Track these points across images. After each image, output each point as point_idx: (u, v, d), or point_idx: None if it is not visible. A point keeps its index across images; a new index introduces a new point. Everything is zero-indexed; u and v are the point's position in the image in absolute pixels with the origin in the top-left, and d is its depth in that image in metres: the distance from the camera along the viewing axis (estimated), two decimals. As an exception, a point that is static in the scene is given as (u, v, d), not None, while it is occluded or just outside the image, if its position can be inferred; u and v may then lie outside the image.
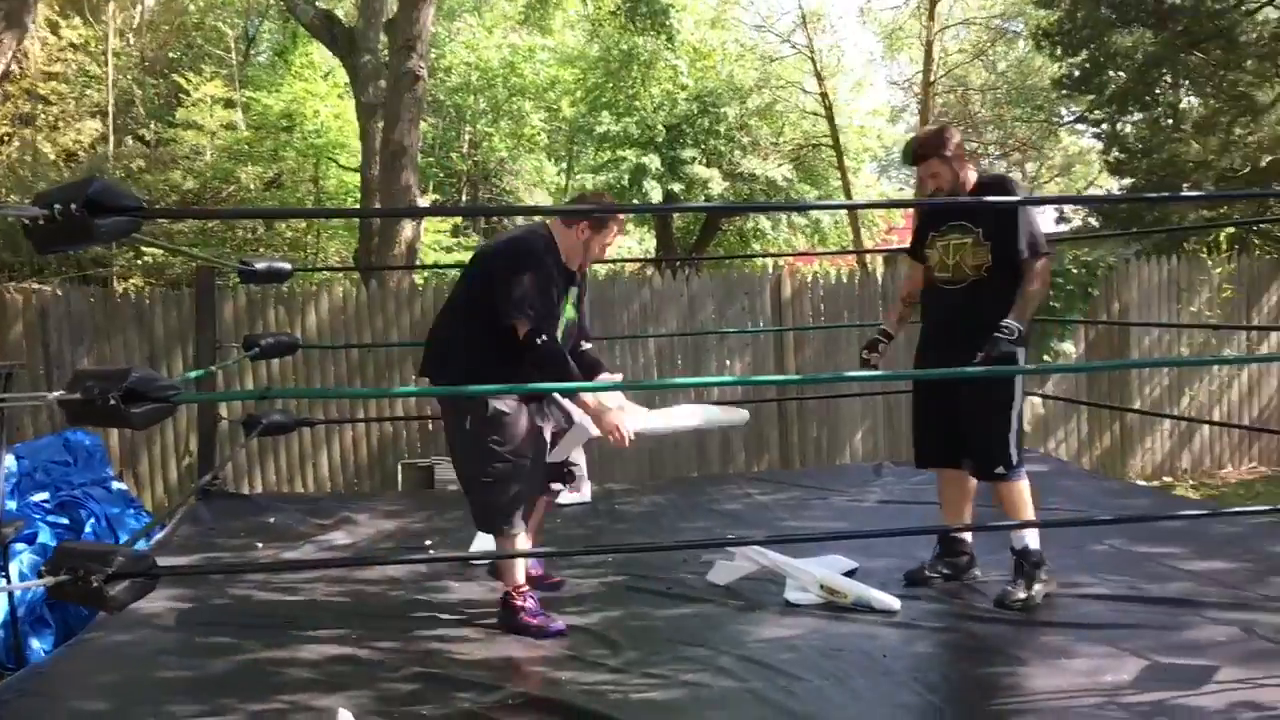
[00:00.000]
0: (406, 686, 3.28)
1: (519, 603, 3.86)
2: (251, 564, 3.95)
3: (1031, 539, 4.00)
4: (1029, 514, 4.09)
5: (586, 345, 4.28)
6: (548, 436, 4.13)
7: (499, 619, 3.91)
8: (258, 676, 3.44)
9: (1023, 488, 4.08)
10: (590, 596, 4.28)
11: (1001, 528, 4.22)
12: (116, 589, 2.33)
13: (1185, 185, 11.90)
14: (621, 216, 4.14)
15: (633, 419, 3.95)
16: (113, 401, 2.37)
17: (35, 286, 9.99)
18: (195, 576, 4.47)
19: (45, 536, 5.05)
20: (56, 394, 2.43)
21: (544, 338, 3.72)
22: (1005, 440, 4.06)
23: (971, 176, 4.15)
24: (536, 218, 3.96)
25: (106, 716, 3.06)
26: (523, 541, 3.96)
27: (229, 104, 17.49)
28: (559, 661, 3.51)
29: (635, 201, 17.17)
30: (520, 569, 3.95)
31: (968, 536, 4.34)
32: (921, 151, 4.11)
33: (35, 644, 4.74)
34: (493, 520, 3.94)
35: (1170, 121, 12.59)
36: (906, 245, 4.55)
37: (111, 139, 17.28)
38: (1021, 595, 3.92)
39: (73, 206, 2.33)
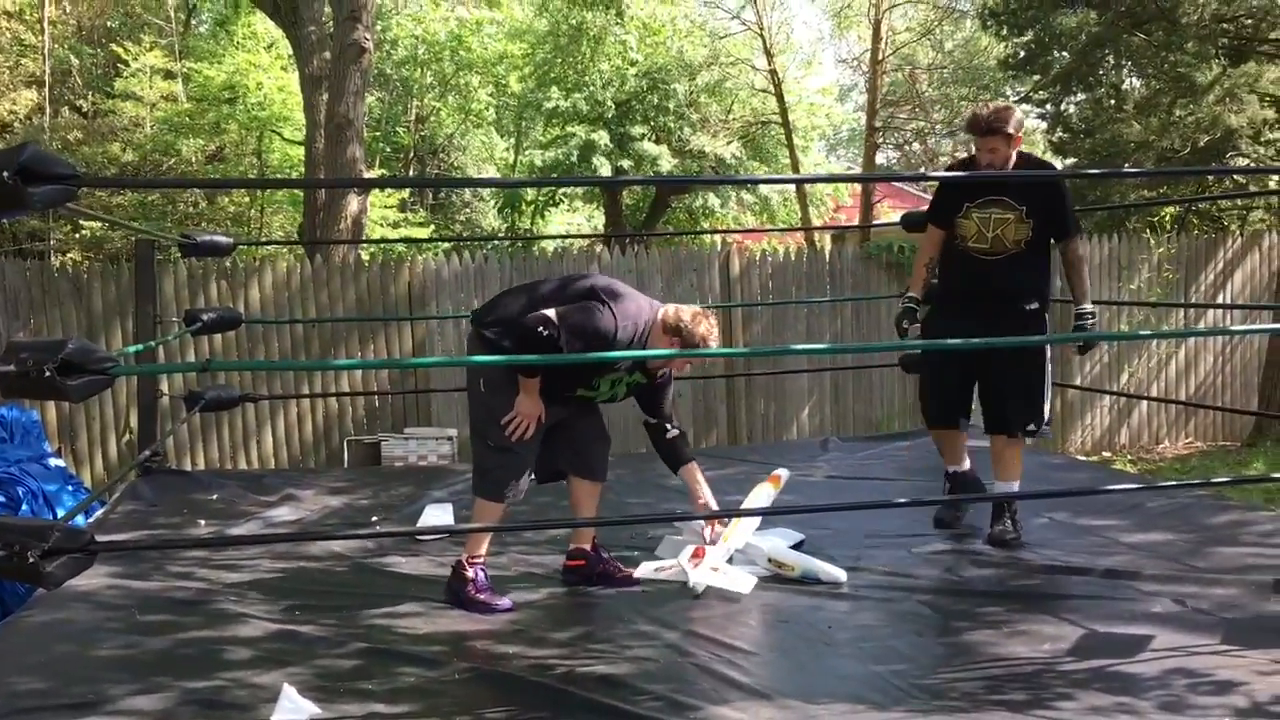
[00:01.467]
0: (351, 662, 3.26)
1: (469, 573, 3.85)
2: (192, 539, 3.89)
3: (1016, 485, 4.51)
4: (1020, 467, 4.53)
5: (672, 431, 4.23)
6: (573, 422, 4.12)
7: (446, 588, 3.90)
8: (198, 654, 3.39)
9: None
10: (536, 573, 4.27)
11: (988, 498, 4.25)
12: (53, 565, 2.29)
13: (1126, 164, 12.06)
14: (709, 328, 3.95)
15: (740, 535, 4.14)
16: (48, 373, 2.32)
17: (-32, 259, 9.77)
18: (136, 554, 4.41)
19: (-20, 514, 4.94)
20: (-12, 366, 2.37)
21: (546, 333, 3.63)
22: (1043, 402, 4.47)
23: (1014, 157, 4.32)
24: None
25: (43, 695, 3.00)
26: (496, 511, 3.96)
27: (169, 75, 17.17)
28: (505, 636, 3.50)
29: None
30: (484, 541, 3.95)
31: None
32: (994, 125, 4.23)
33: (-30, 623, 4.64)
34: (480, 484, 3.96)
35: (1113, 102, 12.74)
36: (928, 210, 4.70)
37: (48, 109, 16.90)
38: (1014, 533, 4.39)
39: (4, 174, 2.27)
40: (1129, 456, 9.38)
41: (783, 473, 4.62)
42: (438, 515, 5.16)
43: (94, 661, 3.29)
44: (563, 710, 2.87)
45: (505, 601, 3.83)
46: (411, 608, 3.83)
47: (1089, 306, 4.41)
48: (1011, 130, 4.23)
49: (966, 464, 4.80)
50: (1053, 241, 4.38)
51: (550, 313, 3.70)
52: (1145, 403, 9.64)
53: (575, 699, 2.93)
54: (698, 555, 3.96)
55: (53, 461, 5.95)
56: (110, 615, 3.71)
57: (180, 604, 3.87)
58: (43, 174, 2.31)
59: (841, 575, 3.97)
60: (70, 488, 5.70)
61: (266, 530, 5.06)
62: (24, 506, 5.23)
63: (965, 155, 4.79)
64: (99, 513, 5.24)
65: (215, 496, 5.67)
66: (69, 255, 15.23)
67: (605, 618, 3.71)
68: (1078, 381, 9.47)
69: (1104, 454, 9.50)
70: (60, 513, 5.27)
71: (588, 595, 3.98)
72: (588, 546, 4.14)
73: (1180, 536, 4.44)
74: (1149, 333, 8.98)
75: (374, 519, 5.27)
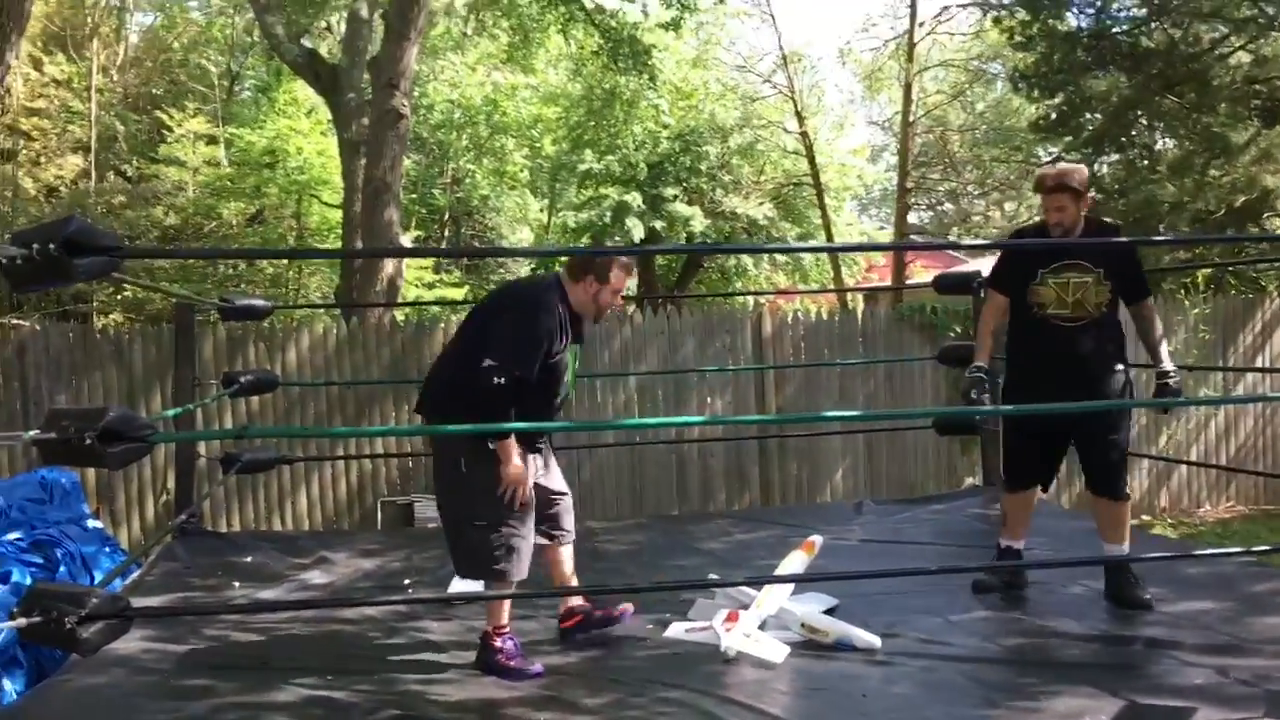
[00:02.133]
0: (383, 730, 3.25)
1: (497, 643, 3.83)
2: (226, 605, 3.92)
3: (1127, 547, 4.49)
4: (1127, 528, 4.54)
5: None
6: (546, 483, 4.12)
7: (477, 659, 3.88)
8: (233, 719, 3.40)
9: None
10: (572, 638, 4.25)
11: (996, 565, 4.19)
12: (89, 631, 2.32)
13: (1160, 226, 12.01)
14: (627, 261, 4.11)
15: (773, 600, 4.13)
16: (88, 441, 2.37)
17: (14, 322, 9.95)
18: (171, 620, 4.43)
19: (19, 575, 4.99)
20: (32, 433, 2.42)
21: (501, 380, 3.64)
22: (1125, 466, 4.52)
23: (1081, 219, 4.30)
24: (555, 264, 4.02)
25: (78, 760, 3.02)
26: (512, 587, 3.95)
27: (211, 140, 17.52)
28: (537, 703, 3.49)
29: (618, 239, 17.23)
30: (505, 611, 3.91)
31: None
32: (1061, 183, 4.21)
33: (7, 685, 4.67)
34: (484, 564, 3.89)
35: (1145, 163, 12.71)
36: (990, 276, 4.68)
37: (94, 174, 17.28)
38: (1147, 594, 4.31)
39: (51, 246, 2.33)
40: (1169, 520, 9.24)
41: (816, 540, 4.59)
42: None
43: (129, 727, 3.30)
44: (594, 780, 2.85)
45: (536, 667, 3.81)
46: (444, 674, 3.83)
47: (1171, 366, 4.35)
48: (1078, 187, 4.19)
49: (1022, 543, 4.72)
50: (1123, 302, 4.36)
51: (489, 361, 3.64)
52: (1185, 465, 9.50)
53: (607, 768, 2.91)
54: (731, 619, 3.93)
55: (90, 523, 6.01)
56: (147, 679, 3.73)
57: (217, 669, 3.88)
58: (87, 246, 2.38)
59: (876, 642, 3.92)
60: (107, 549, 5.75)
61: (300, 594, 5.08)
62: (61, 568, 5.27)
63: (1031, 222, 4.77)
64: (135, 574, 5.27)
65: (250, 559, 5.69)
66: (111, 316, 15.48)
67: (638, 683, 3.68)
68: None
69: (1144, 517, 9.36)
70: (97, 574, 5.31)
71: (620, 658, 3.95)
72: (577, 602, 4.15)
73: (1221, 604, 4.36)
74: (1217, 397, 8.93)
75: (406, 582, 5.28)
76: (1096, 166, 13.60)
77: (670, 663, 3.86)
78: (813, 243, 19.65)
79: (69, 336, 8.13)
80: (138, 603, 3.27)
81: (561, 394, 4.02)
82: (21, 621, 2.34)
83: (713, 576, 4.60)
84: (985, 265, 17.57)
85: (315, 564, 5.61)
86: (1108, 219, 5.23)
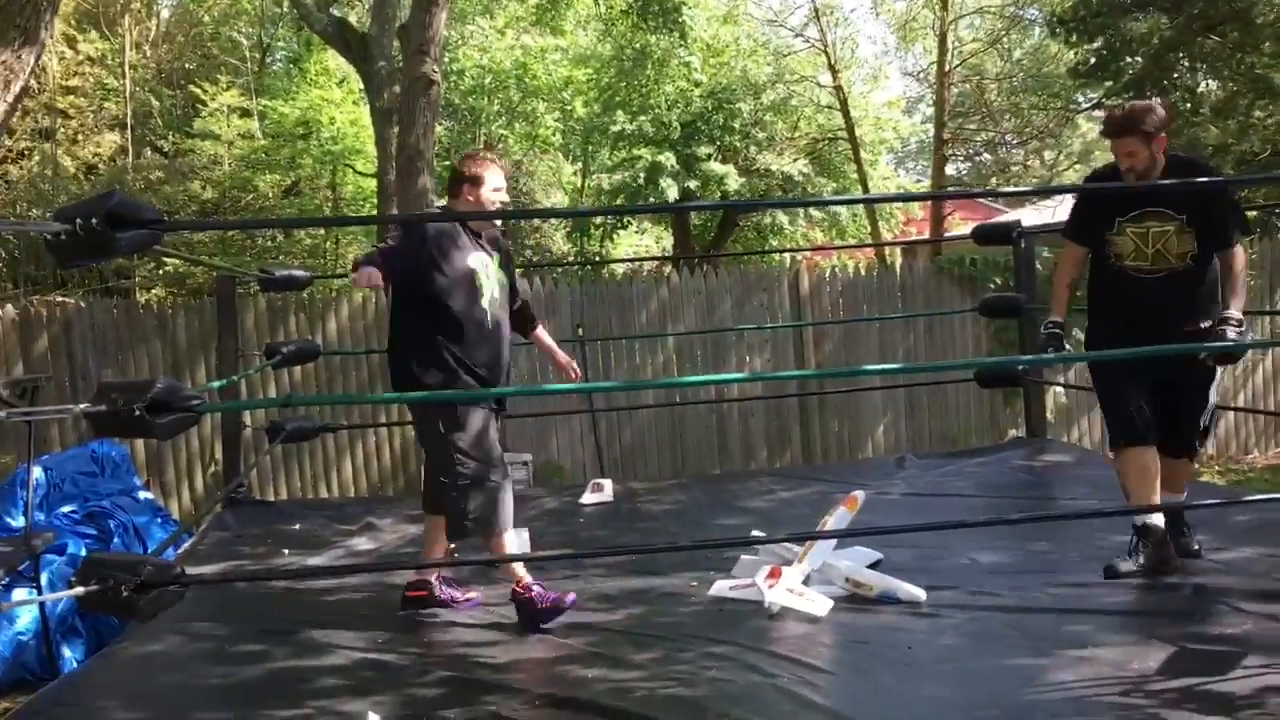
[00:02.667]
0: (433, 691, 3.30)
1: (528, 595, 3.92)
2: (277, 571, 4.00)
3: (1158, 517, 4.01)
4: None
5: (539, 329, 4.58)
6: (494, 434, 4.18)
7: (519, 621, 3.95)
8: (286, 683, 3.47)
9: None
10: (615, 596, 4.28)
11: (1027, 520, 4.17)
12: (145, 599, 2.37)
13: (1205, 169, 11.80)
14: (490, 156, 4.28)
15: (817, 555, 4.12)
16: (137, 413, 2.40)
17: (59, 299, 10.09)
18: (219, 587, 4.51)
19: (75, 547, 5.10)
20: (82, 406, 2.46)
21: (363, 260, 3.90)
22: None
23: (1161, 159, 3.94)
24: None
25: (138, 725, 3.09)
26: (511, 538, 4.09)
27: (245, 113, 17.59)
28: (584, 661, 3.52)
29: (652, 199, 17.17)
30: (520, 566, 4.02)
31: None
32: (1126, 125, 3.87)
33: (67, 653, 4.79)
34: (475, 527, 3.98)
35: (1188, 106, 12.48)
36: (1066, 226, 4.35)
37: (130, 151, 17.41)
38: (1196, 544, 4.20)
39: (93, 221, 2.36)
40: (1217, 467, 9.14)
41: (859, 495, 4.58)
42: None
43: (186, 691, 3.38)
44: (641, 735, 2.88)
45: (570, 596, 3.94)
46: (491, 635, 3.88)
47: (1236, 314, 3.86)
48: (1150, 129, 3.83)
49: (1161, 522, 4.02)
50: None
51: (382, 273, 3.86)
52: (1233, 412, 9.38)
53: (653, 723, 2.94)
54: (774, 575, 3.94)
55: (142, 494, 6.13)
56: (202, 646, 3.81)
57: (269, 634, 3.95)
58: (129, 219, 2.40)
59: (921, 594, 3.92)
60: (159, 519, 5.86)
61: (347, 560, 5.15)
62: (115, 539, 5.39)
63: (1108, 165, 4.22)
64: (187, 544, 5.37)
65: (298, 526, 5.78)
66: (154, 291, 15.65)
67: (684, 639, 3.70)
68: (1160, 392, 9.26)
69: (1191, 465, 9.27)
70: (150, 544, 5.42)
71: (666, 615, 3.98)
72: (433, 576, 4.18)
73: (1271, 551, 4.31)
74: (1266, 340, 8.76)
75: (452, 545, 5.33)
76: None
77: (715, 619, 3.89)
78: (847, 195, 19.46)
79: (113, 312, 8.24)
80: (190, 571, 3.33)
81: (486, 311, 4.08)
82: (79, 590, 2.39)
83: (756, 534, 4.61)
84: (1025, 215, 17.32)
85: (362, 530, 5.68)
86: (1197, 158, 4.74)
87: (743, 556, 4.43)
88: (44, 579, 4.71)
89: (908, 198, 17.98)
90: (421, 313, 3.97)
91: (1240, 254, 3.98)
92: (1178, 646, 3.30)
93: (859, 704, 3.04)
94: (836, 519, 4.37)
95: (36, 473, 5.17)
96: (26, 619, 4.75)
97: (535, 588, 3.93)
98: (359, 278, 3.82)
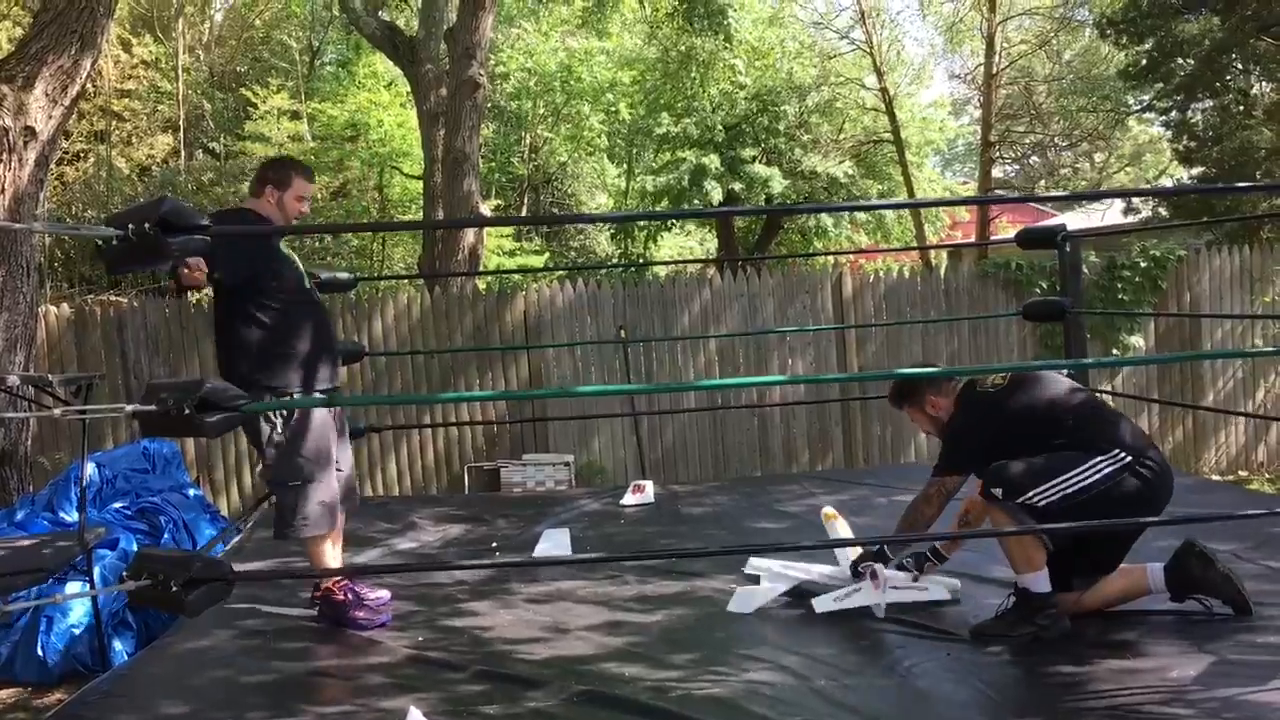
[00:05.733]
0: (475, 687, 3.34)
1: (339, 597, 3.98)
2: (322, 569, 4.06)
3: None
4: None
5: None
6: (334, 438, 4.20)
7: (320, 613, 4.04)
8: (329, 679, 3.53)
9: None
10: (655, 597, 4.31)
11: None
12: (193, 594, 2.42)
13: (1258, 173, 11.63)
14: (302, 165, 4.26)
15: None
16: (186, 412, 2.46)
17: (113, 299, 10.27)
18: (268, 584, 4.59)
19: (126, 542, 5.21)
20: (132, 406, 2.52)
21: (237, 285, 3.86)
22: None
23: (945, 414, 3.95)
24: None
25: (188, 718, 3.15)
26: (335, 545, 4.12)
27: (295, 115, 17.83)
28: (623, 659, 3.55)
29: (696, 202, 17.19)
30: (335, 563, 4.08)
31: None
32: (895, 400, 4.10)
33: (118, 646, 4.89)
34: (305, 525, 3.98)
35: (1241, 109, 12.31)
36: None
37: (183, 153, 17.70)
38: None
39: (146, 226, 2.42)
40: (1267, 475, 9.01)
41: (827, 509, 4.60)
42: (555, 538, 5.26)
43: (234, 686, 3.44)
44: (679, 735, 2.90)
45: (384, 616, 4.00)
46: (531, 633, 3.91)
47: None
48: (919, 401, 3.94)
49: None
50: None
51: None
52: (1284, 420, 9.25)
53: (691, 722, 2.96)
54: (873, 578, 3.84)
55: (191, 491, 6.23)
56: (249, 642, 3.88)
57: (313, 631, 4.02)
58: (180, 225, 2.47)
59: (955, 584, 3.89)
60: (208, 516, 5.97)
61: (391, 557, 5.22)
62: (165, 535, 5.50)
63: None
64: (235, 540, 5.46)
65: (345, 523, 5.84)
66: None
67: (723, 640, 3.73)
68: (1209, 398, 9.15)
69: (1240, 473, 9.14)
70: (199, 539, 5.52)
71: (704, 617, 3.99)
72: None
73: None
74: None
75: (494, 544, 5.39)
76: (1189, 113, 13.21)
77: (753, 621, 3.90)
78: (892, 198, 19.34)
79: (166, 312, 8.39)
80: (238, 567, 3.39)
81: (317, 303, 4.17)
82: (130, 585, 2.45)
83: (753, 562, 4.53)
84: (1072, 219, 17.08)
85: (405, 529, 5.74)
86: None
87: (752, 559, 4.41)
88: (96, 573, 4.82)
89: (950, 202, 17.84)
90: (259, 308, 3.94)
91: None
92: (1218, 656, 3.27)
93: (896, 708, 3.04)
94: (844, 534, 4.39)
95: (89, 469, 5.29)
96: (79, 612, 4.86)
97: (351, 595, 3.98)
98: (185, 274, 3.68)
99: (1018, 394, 3.75)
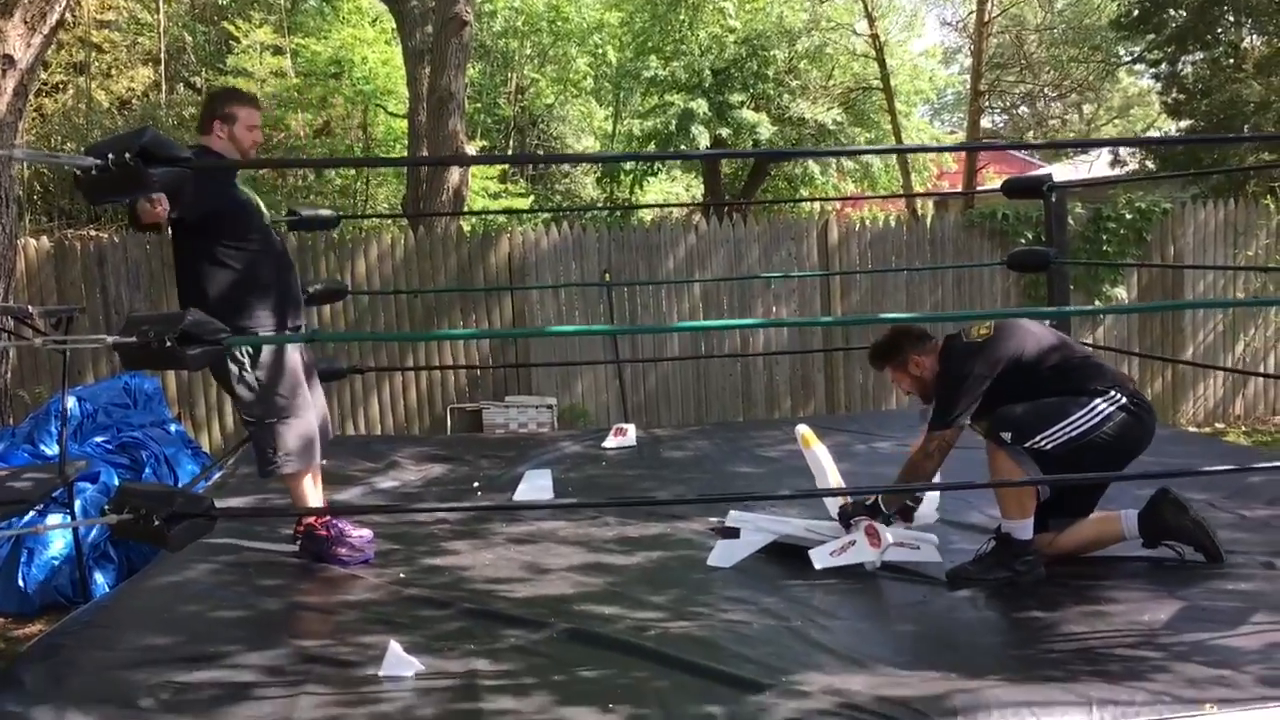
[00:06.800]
0: (456, 624, 3.37)
1: (322, 533, 4.01)
2: (304, 507, 4.08)
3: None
4: None
5: None
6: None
7: (301, 549, 4.08)
8: (311, 614, 3.56)
9: None
10: (636, 539, 4.35)
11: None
12: (176, 529, 2.43)
13: (1246, 126, 11.61)
14: (245, 94, 4.24)
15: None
16: (167, 344, 2.45)
17: (92, 233, 10.17)
18: (248, 519, 4.60)
19: (107, 476, 5.20)
20: (113, 338, 2.51)
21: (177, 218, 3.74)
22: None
23: (930, 373, 3.94)
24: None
25: (168, 649, 3.17)
26: (315, 481, 4.14)
27: (278, 51, 17.54)
28: (603, 599, 3.58)
29: (683, 146, 17.06)
30: (317, 501, 4.13)
31: None
32: (875, 359, 4.14)
33: (99, 578, 4.91)
34: (288, 460, 4.00)
35: (1231, 61, 12.26)
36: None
37: (164, 86, 17.42)
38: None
39: (126, 157, 2.39)
40: (1243, 428, 9.09)
41: (801, 429, 4.57)
42: (536, 480, 5.28)
43: (214, 620, 3.46)
44: (658, 671, 2.93)
45: (366, 552, 4.03)
46: (512, 572, 3.94)
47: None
48: (901, 359, 3.97)
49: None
50: None
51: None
52: (1261, 374, 9.32)
53: (671, 660, 2.99)
54: (871, 533, 3.80)
55: (173, 427, 6.23)
56: (229, 577, 3.89)
57: (296, 566, 4.04)
58: (161, 156, 2.44)
59: (931, 538, 3.92)
60: (190, 451, 5.97)
61: (372, 496, 5.24)
62: (147, 469, 5.50)
63: None
64: (216, 476, 5.47)
65: (325, 462, 5.83)
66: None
67: (701, 582, 3.77)
68: (1189, 352, 9.21)
69: (1216, 425, 9.23)
70: (180, 475, 5.52)
71: (684, 560, 4.03)
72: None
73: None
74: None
75: (476, 485, 5.41)
76: (1180, 65, 13.16)
77: (735, 565, 3.94)
78: (880, 146, 19.25)
79: (146, 247, 8.31)
80: (220, 504, 3.40)
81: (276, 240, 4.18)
82: (112, 518, 2.46)
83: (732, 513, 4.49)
84: (1060, 170, 17.01)
85: (387, 468, 5.76)
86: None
87: (732, 511, 4.42)
88: (77, 506, 4.82)
89: (939, 149, 17.79)
90: (222, 248, 3.91)
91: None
92: (1189, 601, 3.32)
93: (871, 649, 3.08)
94: (825, 462, 4.37)
95: (70, 403, 5.27)
96: (60, 545, 4.87)
97: (334, 531, 4.02)
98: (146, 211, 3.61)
99: (1006, 342, 3.76)
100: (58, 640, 3.25)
